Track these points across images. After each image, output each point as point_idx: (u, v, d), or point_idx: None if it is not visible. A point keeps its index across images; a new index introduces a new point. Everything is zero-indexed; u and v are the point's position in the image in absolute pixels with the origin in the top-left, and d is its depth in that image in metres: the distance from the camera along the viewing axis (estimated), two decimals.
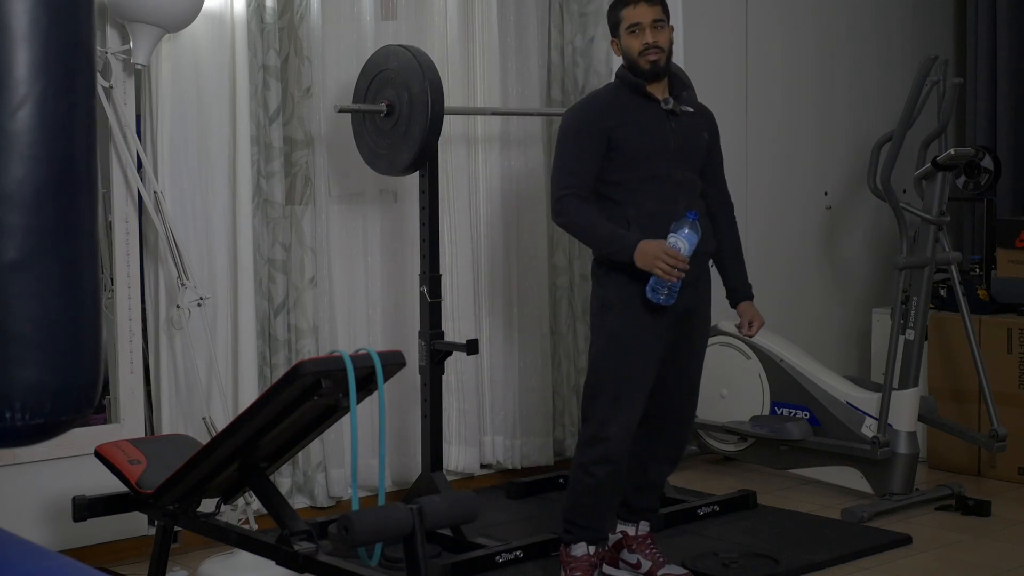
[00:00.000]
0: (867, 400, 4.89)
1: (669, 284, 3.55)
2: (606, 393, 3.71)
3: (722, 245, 3.94)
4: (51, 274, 1.38)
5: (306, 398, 3.00)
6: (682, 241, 3.54)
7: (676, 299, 3.59)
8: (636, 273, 3.62)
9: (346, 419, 3.22)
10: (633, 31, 3.72)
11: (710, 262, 3.92)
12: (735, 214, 4.02)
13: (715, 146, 3.94)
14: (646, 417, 3.83)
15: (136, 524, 4.07)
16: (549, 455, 5.19)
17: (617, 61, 5.13)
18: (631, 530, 3.96)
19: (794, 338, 5.48)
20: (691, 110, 3.85)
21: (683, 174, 3.76)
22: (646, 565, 3.92)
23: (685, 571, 3.91)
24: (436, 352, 4.33)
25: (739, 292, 3.99)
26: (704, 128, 3.88)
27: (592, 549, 3.80)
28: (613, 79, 3.91)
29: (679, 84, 3.88)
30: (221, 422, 3.97)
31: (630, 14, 3.73)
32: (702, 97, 4.77)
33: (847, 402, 4.93)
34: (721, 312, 5.57)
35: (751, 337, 4.06)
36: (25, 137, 1.36)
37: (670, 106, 3.76)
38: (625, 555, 3.96)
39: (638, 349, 3.70)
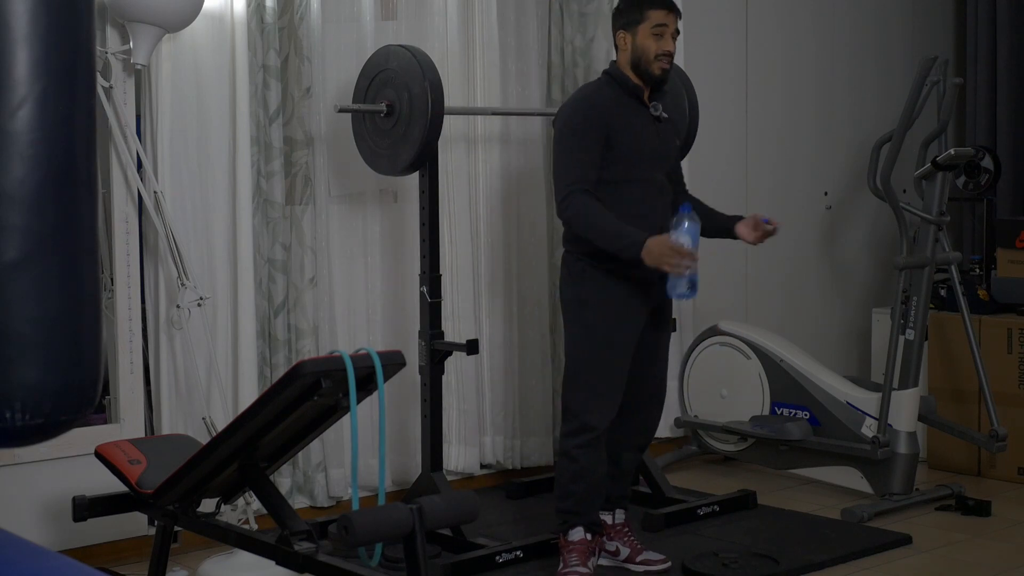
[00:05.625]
0: (867, 400, 4.89)
1: (688, 278, 3.58)
2: (586, 385, 3.82)
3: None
4: (51, 274, 1.38)
5: (306, 398, 3.01)
6: (684, 236, 3.57)
7: (692, 296, 3.66)
8: (614, 272, 3.74)
9: (346, 419, 3.22)
10: (657, 33, 3.78)
11: None
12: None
13: (683, 149, 4.09)
14: (619, 408, 3.93)
15: (136, 524, 4.07)
16: (549, 455, 5.19)
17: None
18: (608, 519, 4.04)
19: (794, 338, 5.49)
20: (667, 116, 3.94)
21: (660, 177, 3.89)
22: (624, 552, 4.02)
23: (662, 556, 4.02)
24: (436, 352, 4.33)
25: (730, 220, 3.96)
26: (678, 135, 4.04)
27: (589, 536, 3.87)
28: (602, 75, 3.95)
29: (661, 91, 3.94)
30: (221, 422, 3.97)
31: (659, 16, 3.78)
32: (702, 98, 4.80)
33: (847, 402, 4.93)
34: (719, 313, 5.59)
35: (770, 234, 3.89)
36: (25, 137, 1.36)
37: (658, 112, 3.87)
38: (604, 543, 4.04)
39: (615, 342, 3.80)
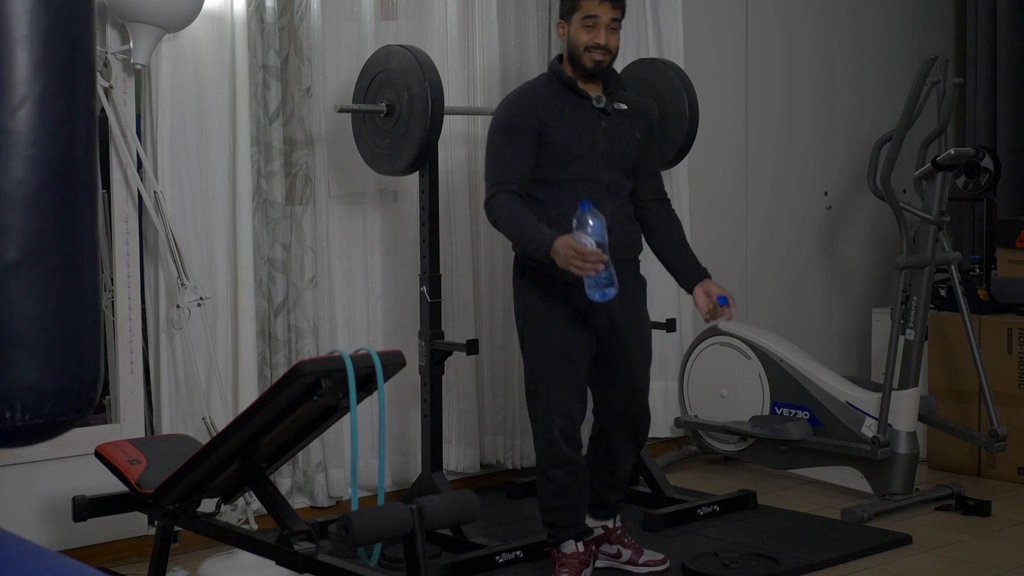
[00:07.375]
0: (867, 400, 4.89)
1: (603, 278, 3.35)
2: (541, 398, 3.73)
3: (662, 241, 3.84)
4: (51, 274, 1.38)
5: (306, 398, 3.00)
6: (585, 236, 3.34)
7: (612, 295, 3.38)
8: (557, 278, 3.57)
9: (346, 419, 3.22)
10: (588, 25, 3.63)
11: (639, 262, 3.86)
12: (673, 208, 3.91)
13: (650, 144, 3.83)
14: (603, 421, 3.89)
15: (136, 524, 4.07)
16: None
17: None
18: (610, 524, 4.03)
19: (794, 338, 5.48)
20: (624, 107, 3.75)
21: (611, 176, 3.69)
22: (626, 554, 4.01)
23: (661, 556, 4.02)
24: (436, 352, 4.33)
25: (691, 276, 3.76)
26: (637, 128, 3.77)
27: (581, 546, 3.84)
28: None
29: (615, 80, 3.77)
30: (221, 422, 3.97)
31: (589, 6, 3.62)
32: (702, 98, 4.79)
33: (847, 402, 4.93)
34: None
35: (718, 319, 3.72)
36: (25, 137, 1.36)
37: (602, 105, 3.68)
38: (605, 547, 4.03)
39: (563, 352, 3.68)
